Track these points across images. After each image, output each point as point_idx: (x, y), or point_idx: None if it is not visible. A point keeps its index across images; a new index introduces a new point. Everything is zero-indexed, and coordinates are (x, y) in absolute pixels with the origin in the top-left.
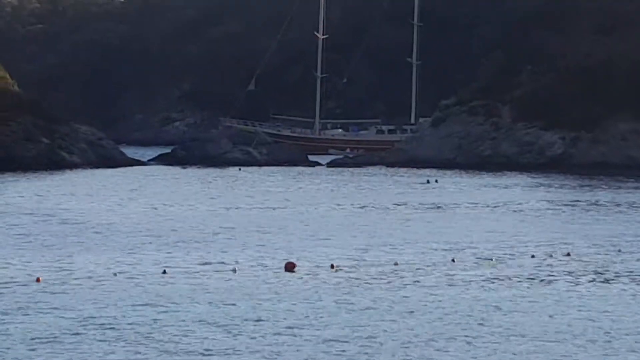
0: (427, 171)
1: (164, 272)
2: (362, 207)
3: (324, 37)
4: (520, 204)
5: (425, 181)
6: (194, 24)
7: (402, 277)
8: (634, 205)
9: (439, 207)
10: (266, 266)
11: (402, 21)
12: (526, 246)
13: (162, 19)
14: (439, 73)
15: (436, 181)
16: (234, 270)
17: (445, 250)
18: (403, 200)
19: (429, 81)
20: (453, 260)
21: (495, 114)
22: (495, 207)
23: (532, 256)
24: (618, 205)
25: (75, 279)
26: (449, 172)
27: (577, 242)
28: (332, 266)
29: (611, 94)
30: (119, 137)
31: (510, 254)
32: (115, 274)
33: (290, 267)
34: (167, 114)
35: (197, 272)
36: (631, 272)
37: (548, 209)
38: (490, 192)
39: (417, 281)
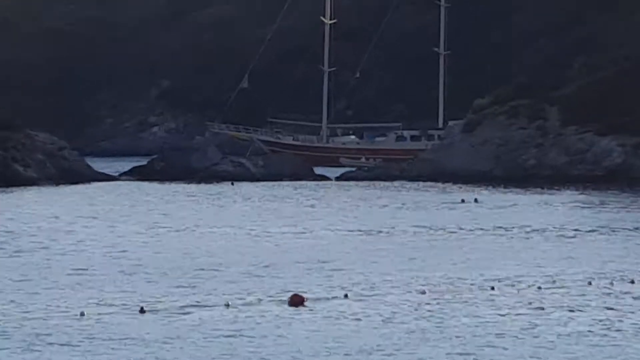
0: (458, 187)
1: (142, 310)
2: (380, 231)
3: (332, 22)
4: (572, 227)
5: (460, 200)
6: (175, 7)
7: (434, 310)
8: None
9: (479, 230)
10: (266, 300)
11: (427, 2)
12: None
13: (137, 2)
14: (472, 66)
15: (475, 200)
16: (227, 305)
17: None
18: (432, 223)
19: (460, 76)
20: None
21: (540, 116)
22: (544, 231)
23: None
24: None
25: (31, 319)
26: (484, 188)
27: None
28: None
29: None
30: (84, 146)
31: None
32: (82, 314)
33: (297, 302)
34: (143, 118)
35: (182, 308)
36: None
37: (604, 232)
38: (538, 211)
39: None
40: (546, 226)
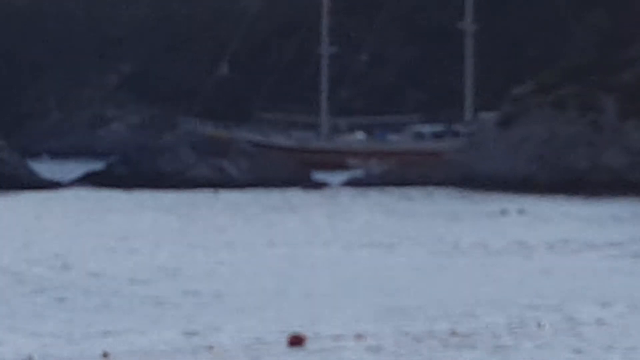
0: (493, 194)
1: (104, 355)
2: (399, 249)
3: None
4: (634, 245)
5: (499, 211)
6: None
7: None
8: None
9: (523, 247)
10: (260, 340)
11: None
12: None
13: None
14: (506, 46)
15: (520, 212)
16: (210, 348)
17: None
18: (466, 239)
19: (492, 58)
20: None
21: (594, 106)
22: (603, 247)
23: None
24: None
25: None
26: (526, 196)
27: None
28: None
29: None
30: (26, 145)
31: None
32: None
33: (296, 341)
34: (99, 111)
35: (156, 352)
36: None
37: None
38: (596, 225)
39: None
40: (601, 244)
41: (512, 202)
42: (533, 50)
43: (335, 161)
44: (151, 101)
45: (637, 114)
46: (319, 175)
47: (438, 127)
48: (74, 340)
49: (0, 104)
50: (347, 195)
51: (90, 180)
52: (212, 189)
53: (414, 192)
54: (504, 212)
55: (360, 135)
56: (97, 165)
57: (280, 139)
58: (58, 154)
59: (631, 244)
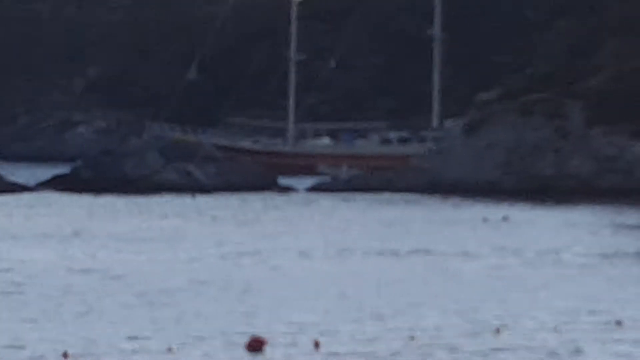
0: (460, 201)
1: (65, 355)
2: (357, 255)
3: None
4: (597, 253)
5: (482, 219)
6: None
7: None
8: None
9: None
10: (219, 343)
11: None
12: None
13: None
14: (474, 52)
15: (504, 219)
16: (170, 350)
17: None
18: (447, 246)
19: (460, 65)
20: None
21: (560, 113)
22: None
23: None
24: None
25: None
26: (491, 202)
27: None
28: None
29: None
30: None
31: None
32: None
33: (255, 345)
34: (66, 115)
35: (116, 353)
36: None
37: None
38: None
39: None
40: (566, 252)
41: (489, 210)
42: (500, 56)
43: (302, 166)
44: (118, 105)
45: (604, 121)
46: (285, 180)
47: (404, 133)
48: None
49: None
50: (314, 200)
51: (57, 184)
52: (185, 193)
53: (381, 197)
54: (485, 220)
55: (327, 140)
56: (63, 170)
57: (247, 144)
58: (25, 158)
59: (593, 254)
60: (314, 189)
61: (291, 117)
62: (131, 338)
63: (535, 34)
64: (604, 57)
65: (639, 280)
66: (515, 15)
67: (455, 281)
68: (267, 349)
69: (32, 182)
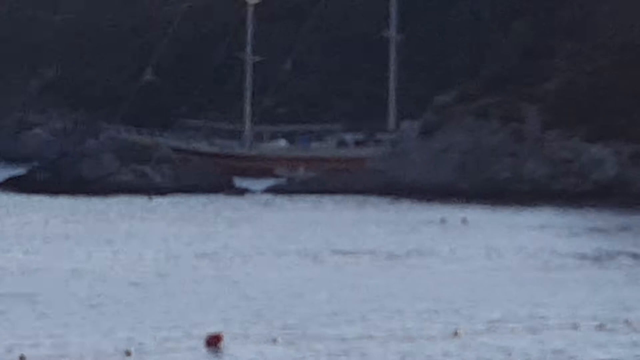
0: (416, 203)
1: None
2: (325, 257)
3: (256, 1)
4: (554, 253)
5: (439, 220)
6: None
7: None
8: None
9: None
10: (178, 342)
11: None
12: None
13: None
14: (430, 54)
15: (463, 221)
16: (128, 353)
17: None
18: (406, 247)
19: (416, 67)
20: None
21: (516, 117)
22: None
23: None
24: None
25: None
26: (448, 204)
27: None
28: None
29: None
30: None
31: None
32: None
33: (214, 342)
34: (21, 116)
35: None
36: None
37: (587, 265)
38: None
39: None
40: (521, 254)
41: (446, 212)
42: (457, 59)
43: (258, 168)
44: (74, 107)
45: (560, 124)
46: (241, 182)
47: (360, 135)
48: None
49: None
50: (269, 202)
51: (12, 185)
52: (141, 195)
53: (338, 199)
54: (443, 221)
55: (283, 142)
56: (19, 171)
57: (203, 146)
58: None
59: (543, 256)
60: (270, 191)
61: (247, 119)
62: (83, 340)
63: (492, 36)
64: (560, 59)
65: (592, 284)
66: (471, 17)
67: (412, 283)
68: (225, 344)
69: None
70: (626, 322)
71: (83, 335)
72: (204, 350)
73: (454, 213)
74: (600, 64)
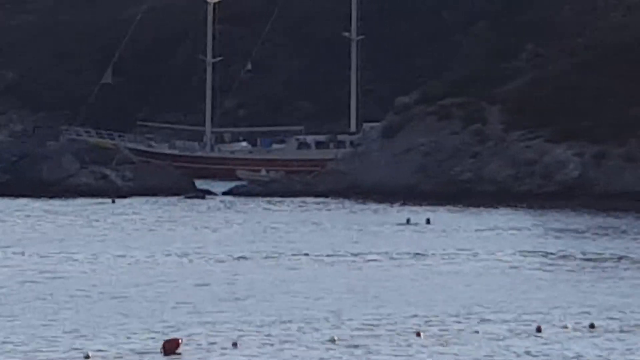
0: (377, 205)
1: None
2: (283, 259)
3: (216, 1)
4: (507, 255)
5: (405, 221)
6: None
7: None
8: None
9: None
10: (134, 349)
11: None
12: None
13: None
14: (392, 56)
15: (428, 221)
16: (87, 358)
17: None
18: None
19: (378, 68)
20: None
21: (478, 118)
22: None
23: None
24: None
25: None
26: (410, 205)
27: (601, 312)
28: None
29: None
30: None
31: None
32: None
33: (171, 348)
34: None
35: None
36: None
37: (552, 264)
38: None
39: None
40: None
41: (409, 213)
42: (419, 61)
43: (219, 170)
44: (35, 109)
45: (522, 125)
46: (203, 184)
47: (322, 137)
48: None
49: None
50: (230, 204)
51: None
52: (102, 197)
53: (300, 201)
54: (408, 221)
55: (244, 144)
56: None
57: (164, 148)
58: None
59: (505, 257)
60: (231, 192)
61: (208, 120)
62: (49, 342)
63: (454, 37)
64: (521, 61)
65: (550, 284)
66: (434, 19)
67: (374, 284)
68: (183, 349)
69: None
70: (591, 325)
71: (41, 339)
72: (161, 357)
73: (418, 214)
74: (562, 65)
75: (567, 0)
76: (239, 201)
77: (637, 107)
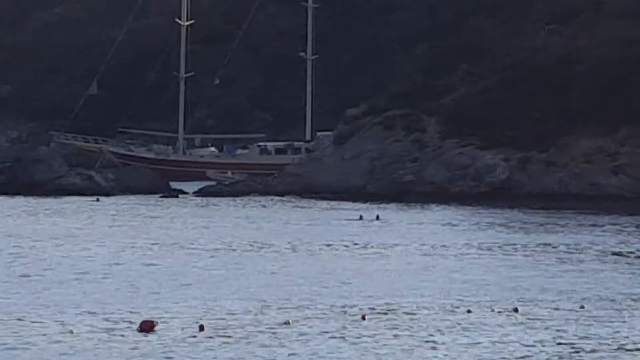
0: (328, 203)
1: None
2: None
3: (189, 23)
4: (446, 247)
5: (358, 217)
6: (17, 5)
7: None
8: (602, 250)
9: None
10: (113, 327)
11: (293, 2)
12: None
13: None
14: (343, 72)
15: (377, 218)
16: (71, 332)
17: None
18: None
19: (330, 83)
20: None
21: (418, 127)
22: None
23: (469, 311)
24: (578, 248)
25: None
26: (360, 204)
27: (527, 295)
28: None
29: (571, 102)
30: None
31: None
32: None
33: (147, 327)
34: None
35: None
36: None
37: (483, 254)
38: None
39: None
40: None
41: (359, 211)
42: (365, 77)
43: (191, 172)
44: (28, 118)
45: (456, 134)
46: (176, 185)
47: (280, 144)
48: None
49: None
50: (201, 202)
51: None
52: (88, 196)
53: (262, 199)
54: (361, 218)
55: (212, 149)
56: None
57: (142, 152)
58: None
59: (439, 247)
60: (202, 192)
61: (181, 128)
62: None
63: (397, 56)
64: (457, 78)
65: (480, 269)
66: (378, 40)
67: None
68: (158, 330)
69: None
70: (515, 310)
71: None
72: (138, 335)
73: (367, 211)
74: (490, 82)
75: (496, 25)
76: (208, 200)
77: (556, 119)
